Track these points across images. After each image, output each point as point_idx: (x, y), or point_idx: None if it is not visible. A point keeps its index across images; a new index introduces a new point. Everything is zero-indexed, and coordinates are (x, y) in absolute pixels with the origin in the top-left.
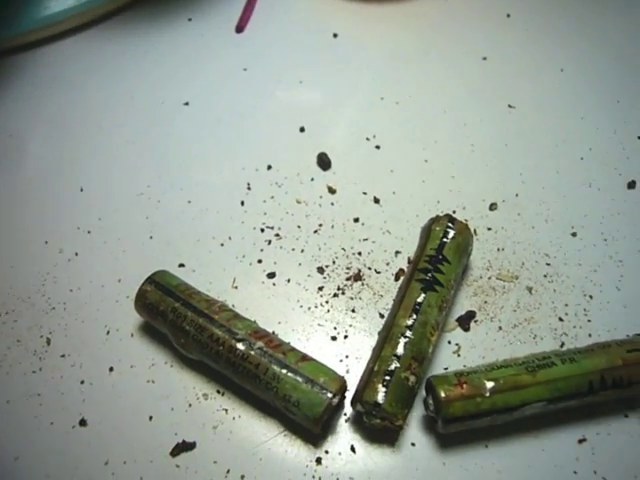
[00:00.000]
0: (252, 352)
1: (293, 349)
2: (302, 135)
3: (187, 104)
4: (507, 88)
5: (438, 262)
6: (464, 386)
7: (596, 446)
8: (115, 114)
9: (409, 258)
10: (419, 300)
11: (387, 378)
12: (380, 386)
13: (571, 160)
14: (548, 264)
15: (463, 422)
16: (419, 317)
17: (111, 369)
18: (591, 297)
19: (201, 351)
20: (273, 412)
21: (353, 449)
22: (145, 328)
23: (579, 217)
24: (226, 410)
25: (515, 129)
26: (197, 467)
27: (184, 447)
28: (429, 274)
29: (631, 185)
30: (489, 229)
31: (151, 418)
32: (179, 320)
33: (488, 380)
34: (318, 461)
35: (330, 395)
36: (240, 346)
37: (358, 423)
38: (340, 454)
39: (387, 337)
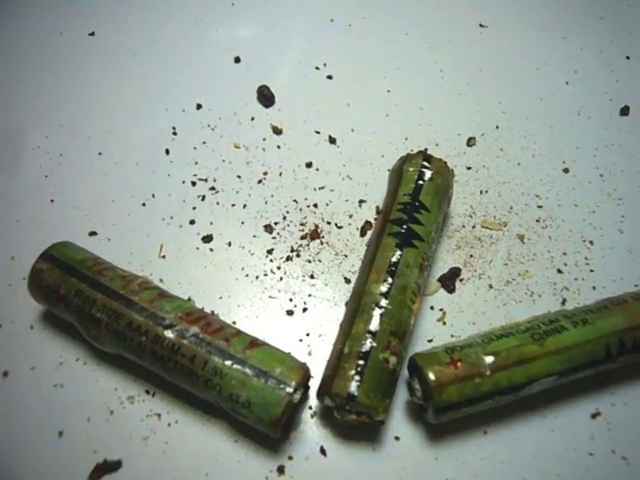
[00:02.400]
0: (185, 341)
1: (238, 333)
2: (238, 67)
3: (93, 34)
4: (477, 4)
5: (414, 210)
6: (458, 364)
7: (612, 420)
8: None
9: (377, 208)
10: (394, 259)
11: (361, 362)
12: (353, 373)
13: (555, 85)
14: (540, 206)
15: (459, 409)
16: (396, 281)
17: (5, 374)
18: (591, 243)
19: (118, 344)
20: (220, 413)
21: (323, 451)
22: (48, 317)
23: (570, 150)
24: (159, 415)
25: (489, 51)
26: None
27: (107, 468)
28: (404, 226)
29: (624, 111)
30: (469, 168)
31: (61, 434)
32: (87, 306)
33: (487, 354)
34: (280, 470)
35: (290, 390)
36: (168, 334)
37: (328, 417)
38: (307, 459)
39: (358, 309)
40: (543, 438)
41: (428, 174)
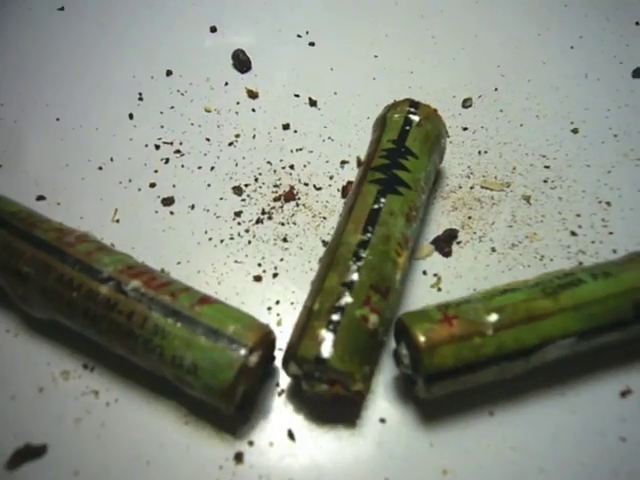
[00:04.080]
0: (122, 296)
1: (188, 289)
2: (213, 36)
3: (62, 9)
4: None
5: (399, 156)
6: (454, 322)
7: None
8: None
9: (358, 159)
10: (375, 207)
11: (334, 318)
12: (323, 332)
13: (559, 49)
14: (547, 167)
15: (456, 378)
16: (377, 229)
17: None
18: (608, 204)
19: (47, 304)
20: (167, 390)
21: (292, 435)
22: None
23: (579, 111)
24: (96, 393)
25: (485, 19)
26: None
27: (29, 453)
28: (388, 172)
29: (637, 73)
30: (465, 129)
31: None
32: (13, 260)
33: (489, 312)
34: (238, 458)
35: (244, 352)
36: (103, 290)
37: (297, 397)
38: (272, 445)
39: (332, 263)
40: (563, 420)
41: (416, 119)
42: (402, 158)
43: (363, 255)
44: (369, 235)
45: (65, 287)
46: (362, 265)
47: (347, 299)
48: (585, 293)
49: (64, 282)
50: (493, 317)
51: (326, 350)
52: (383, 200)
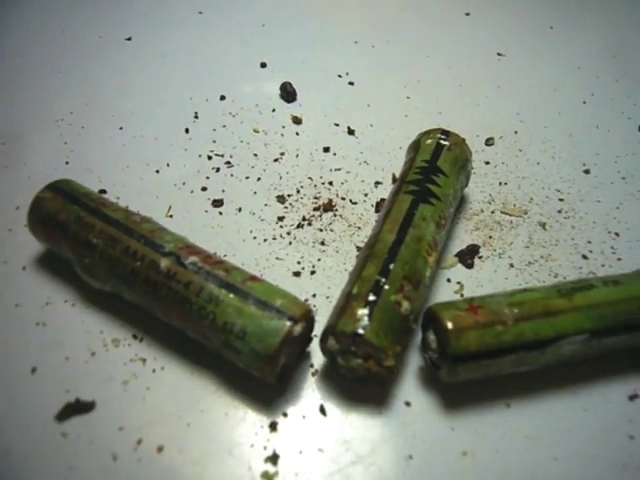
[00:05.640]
0: (181, 268)
1: (239, 268)
2: (263, 70)
3: (129, 39)
4: (494, 39)
5: (431, 173)
6: (478, 311)
7: None
8: (40, 45)
9: (394, 175)
10: (410, 212)
11: (371, 299)
12: (361, 311)
13: (573, 103)
14: (561, 199)
15: (479, 362)
16: (411, 231)
17: None
18: (617, 234)
19: (111, 272)
20: (210, 362)
21: (323, 410)
22: (43, 261)
23: (590, 155)
24: (144, 360)
25: (506, 74)
26: (94, 435)
27: (77, 408)
28: (421, 185)
29: None
30: (487, 163)
31: (34, 370)
32: (84, 232)
33: (510, 305)
34: (272, 427)
35: (290, 322)
36: (165, 262)
37: (330, 377)
38: (304, 417)
39: (369, 255)
40: (575, 416)
41: (446, 144)
42: (434, 175)
43: (398, 251)
44: (403, 234)
45: (130, 257)
46: (397, 258)
47: (383, 285)
48: (597, 296)
49: (129, 253)
50: (514, 309)
51: (362, 326)
52: (416, 207)
